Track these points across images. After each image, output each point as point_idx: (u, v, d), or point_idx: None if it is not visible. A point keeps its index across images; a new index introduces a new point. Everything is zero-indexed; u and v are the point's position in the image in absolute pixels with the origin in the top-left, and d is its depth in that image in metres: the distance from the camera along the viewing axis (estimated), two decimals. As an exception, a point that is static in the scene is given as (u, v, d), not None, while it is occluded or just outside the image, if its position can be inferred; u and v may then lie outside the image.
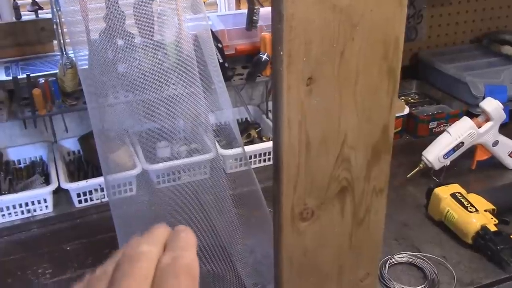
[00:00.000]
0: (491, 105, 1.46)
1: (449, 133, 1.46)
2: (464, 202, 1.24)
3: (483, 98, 1.59)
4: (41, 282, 1.16)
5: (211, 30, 1.19)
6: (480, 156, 1.52)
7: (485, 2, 2.07)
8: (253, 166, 1.52)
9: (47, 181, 1.42)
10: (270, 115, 1.70)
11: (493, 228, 1.18)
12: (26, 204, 1.33)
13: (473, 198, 1.26)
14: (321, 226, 0.72)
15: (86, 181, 1.36)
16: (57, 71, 1.43)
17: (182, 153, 1.27)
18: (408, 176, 1.47)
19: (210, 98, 1.04)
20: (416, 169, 1.46)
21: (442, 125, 1.72)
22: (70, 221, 1.36)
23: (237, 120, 1.72)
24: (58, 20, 1.35)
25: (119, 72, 0.99)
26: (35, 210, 1.35)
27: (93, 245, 1.25)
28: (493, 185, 1.48)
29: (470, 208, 1.22)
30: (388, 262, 1.16)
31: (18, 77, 1.40)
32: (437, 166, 1.45)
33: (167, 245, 0.37)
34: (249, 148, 1.54)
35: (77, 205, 1.38)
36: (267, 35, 1.54)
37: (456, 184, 1.31)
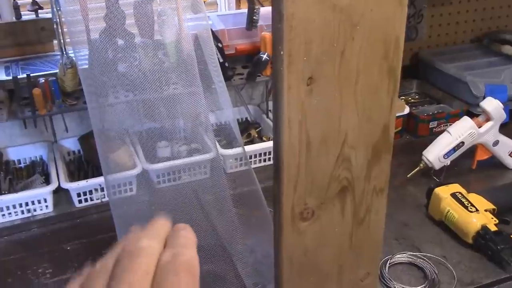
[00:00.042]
0: (492, 105, 1.46)
1: (450, 133, 1.46)
2: (465, 202, 1.24)
3: (484, 97, 1.59)
4: (41, 282, 1.16)
5: (211, 29, 1.19)
6: (481, 155, 1.52)
7: (485, 1, 2.06)
8: (253, 166, 1.52)
9: (47, 181, 1.42)
10: (270, 114, 1.70)
11: (493, 228, 1.18)
12: (26, 204, 1.33)
13: (474, 198, 1.26)
14: (322, 226, 0.72)
15: (86, 181, 1.36)
16: (57, 70, 1.42)
17: (182, 152, 1.27)
18: (408, 176, 1.47)
19: (210, 97, 1.04)
20: (416, 169, 1.46)
21: (442, 125, 1.72)
22: (70, 221, 1.36)
23: (237, 119, 1.72)
24: (58, 19, 1.35)
25: (119, 71, 0.99)
26: (35, 210, 1.35)
27: (93, 245, 1.25)
28: (494, 185, 1.48)
29: (471, 208, 1.22)
30: (388, 262, 1.16)
31: (18, 76, 1.40)
32: (437, 166, 1.45)
33: (167, 242, 0.37)
34: (249, 148, 1.54)
35: (77, 205, 1.38)
36: (267, 34, 1.54)
37: (457, 184, 1.31)
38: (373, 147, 0.71)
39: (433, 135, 1.60)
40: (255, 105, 1.78)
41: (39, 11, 1.51)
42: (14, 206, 1.32)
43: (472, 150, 1.50)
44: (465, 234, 1.21)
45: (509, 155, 1.53)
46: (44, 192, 1.34)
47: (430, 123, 1.71)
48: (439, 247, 1.23)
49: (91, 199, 1.39)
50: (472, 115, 1.53)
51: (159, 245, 0.36)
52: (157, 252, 0.36)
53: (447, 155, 1.45)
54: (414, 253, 1.19)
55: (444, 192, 1.28)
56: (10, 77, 1.41)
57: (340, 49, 0.62)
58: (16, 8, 1.51)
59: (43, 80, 1.38)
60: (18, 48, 1.55)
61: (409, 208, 1.37)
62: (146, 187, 1.29)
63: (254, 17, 1.56)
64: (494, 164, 1.54)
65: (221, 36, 1.57)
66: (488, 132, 1.47)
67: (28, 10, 1.50)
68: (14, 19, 1.53)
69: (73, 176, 1.47)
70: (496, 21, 2.12)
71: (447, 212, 1.25)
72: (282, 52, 0.60)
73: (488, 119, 1.47)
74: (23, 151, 1.52)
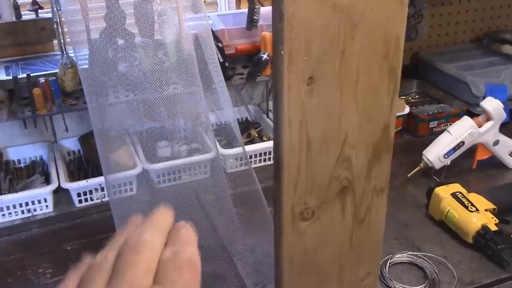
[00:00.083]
0: (492, 105, 1.46)
1: (450, 133, 1.46)
2: (465, 202, 1.24)
3: (484, 97, 1.59)
4: (41, 281, 1.16)
5: (212, 29, 1.19)
6: (481, 155, 1.52)
7: (485, 1, 2.06)
8: (253, 165, 1.52)
9: (47, 181, 1.42)
10: (270, 114, 1.70)
11: (493, 228, 1.18)
12: (26, 204, 1.33)
13: (474, 197, 1.26)
14: (322, 225, 0.72)
15: (86, 181, 1.36)
16: (57, 70, 1.42)
17: (183, 152, 1.27)
18: (408, 175, 1.47)
19: (211, 97, 1.04)
20: (416, 169, 1.46)
21: (442, 125, 1.72)
22: (70, 220, 1.36)
23: (238, 119, 1.72)
24: (58, 19, 1.35)
25: (119, 71, 0.99)
26: (35, 210, 1.35)
27: (93, 245, 1.25)
28: (494, 185, 1.48)
29: (471, 208, 1.22)
30: (388, 262, 1.16)
31: (18, 76, 1.40)
32: (437, 165, 1.45)
33: (168, 241, 0.37)
34: (249, 148, 1.54)
35: (77, 204, 1.38)
36: (267, 34, 1.54)
37: (457, 184, 1.31)
38: (374, 147, 0.71)
39: (433, 135, 1.60)
40: (255, 105, 1.78)
41: (39, 11, 1.51)
42: (14, 206, 1.32)
43: (472, 149, 1.50)
44: (465, 233, 1.21)
45: (509, 154, 1.52)
46: (44, 192, 1.34)
47: (430, 123, 1.71)
48: (439, 247, 1.23)
49: (91, 199, 1.39)
50: (472, 115, 1.53)
51: (162, 239, 0.36)
52: (159, 247, 0.35)
53: (447, 154, 1.45)
54: (414, 253, 1.19)
55: (444, 192, 1.28)
56: (10, 77, 1.41)
57: (340, 49, 0.62)
58: (16, 8, 1.51)
59: (43, 80, 1.38)
60: (18, 48, 1.55)
61: (410, 208, 1.37)
62: (146, 187, 1.29)
63: (254, 17, 1.56)
64: (494, 163, 1.54)
65: (221, 36, 1.57)
66: (488, 132, 1.47)
67: (28, 10, 1.50)
68: (14, 19, 1.53)
69: (73, 176, 1.47)
70: (496, 20, 2.12)
71: (447, 212, 1.25)
72: (282, 52, 0.60)
73: (488, 118, 1.47)
74: (23, 151, 1.52)
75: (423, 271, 1.15)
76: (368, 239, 0.77)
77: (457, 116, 1.64)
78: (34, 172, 1.47)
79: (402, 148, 1.64)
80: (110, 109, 1.06)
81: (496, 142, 1.50)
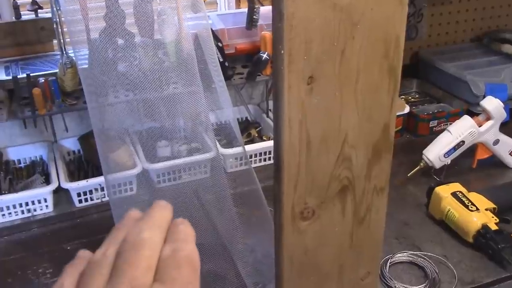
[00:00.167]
0: (492, 104, 1.46)
1: (450, 132, 1.46)
2: (465, 201, 1.24)
3: (484, 96, 1.59)
4: (41, 281, 1.16)
5: (211, 29, 1.19)
6: (481, 155, 1.52)
7: (485, 1, 2.06)
8: (253, 165, 1.52)
9: (47, 181, 1.42)
10: (270, 114, 1.70)
11: (494, 227, 1.18)
12: (26, 204, 1.33)
13: (474, 197, 1.26)
14: (322, 225, 0.72)
15: (86, 181, 1.36)
16: (57, 70, 1.42)
17: (183, 152, 1.27)
18: (408, 175, 1.46)
19: (211, 97, 1.04)
20: (416, 168, 1.46)
21: (442, 124, 1.71)
22: (70, 220, 1.36)
23: (237, 119, 1.72)
24: (58, 19, 1.35)
25: (119, 71, 0.99)
26: (35, 210, 1.35)
27: (93, 244, 1.24)
28: (494, 184, 1.48)
29: (471, 207, 1.22)
30: (389, 261, 1.16)
31: (18, 76, 1.40)
32: (437, 165, 1.45)
33: (166, 238, 0.37)
34: (249, 147, 1.54)
35: (77, 204, 1.38)
36: (267, 34, 1.54)
37: (457, 183, 1.31)
38: (374, 146, 0.71)
39: (433, 134, 1.60)
40: (255, 104, 1.78)
41: (39, 10, 1.51)
42: (14, 206, 1.32)
43: (473, 149, 1.50)
44: (465, 233, 1.21)
45: (510, 154, 1.52)
46: (44, 192, 1.34)
47: (430, 122, 1.71)
48: (439, 246, 1.23)
49: (91, 199, 1.39)
50: (472, 114, 1.53)
51: (161, 236, 0.36)
52: (159, 244, 0.35)
53: (447, 154, 1.45)
54: (414, 252, 1.19)
55: (444, 191, 1.28)
56: (10, 77, 1.41)
57: (340, 48, 0.62)
58: (16, 8, 1.51)
59: (43, 80, 1.38)
60: (18, 48, 1.55)
61: (410, 207, 1.37)
62: (146, 187, 1.29)
63: (254, 17, 1.56)
64: (495, 163, 1.54)
65: (221, 35, 1.57)
66: (489, 131, 1.47)
67: (28, 10, 1.50)
68: (14, 19, 1.53)
69: (73, 176, 1.47)
70: (496, 20, 2.12)
71: (448, 211, 1.25)
72: (282, 51, 0.60)
73: (488, 118, 1.47)
74: (23, 151, 1.52)
75: (424, 271, 1.15)
76: (368, 239, 0.77)
77: (457, 116, 1.64)
78: (34, 172, 1.47)
79: (402, 148, 1.64)
80: (110, 109, 1.06)
81: (496, 142, 1.50)
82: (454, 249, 1.22)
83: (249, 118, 1.74)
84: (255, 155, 1.56)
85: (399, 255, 1.18)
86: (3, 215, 1.32)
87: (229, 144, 1.51)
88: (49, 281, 1.15)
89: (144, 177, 1.31)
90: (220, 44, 1.51)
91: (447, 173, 1.47)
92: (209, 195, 1.15)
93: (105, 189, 1.36)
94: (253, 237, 1.18)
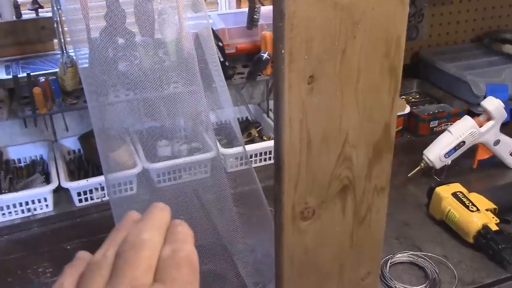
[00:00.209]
0: (492, 104, 1.46)
1: (450, 132, 1.45)
2: (466, 201, 1.24)
3: (484, 97, 1.58)
4: (41, 281, 1.15)
5: (212, 28, 1.19)
6: (481, 155, 1.52)
7: (486, 1, 2.06)
8: (253, 165, 1.52)
9: (47, 180, 1.41)
10: (270, 114, 1.70)
11: (494, 228, 1.18)
12: (27, 203, 1.33)
13: (475, 197, 1.26)
14: (322, 225, 0.72)
15: (87, 180, 1.36)
16: (57, 69, 1.42)
17: (183, 152, 1.27)
18: (409, 175, 1.46)
19: (211, 96, 1.04)
20: (417, 168, 1.46)
21: (443, 124, 1.71)
22: (70, 220, 1.36)
23: (238, 119, 1.72)
24: (58, 18, 1.35)
25: (119, 70, 0.99)
26: (35, 209, 1.35)
27: (93, 244, 1.24)
28: (495, 184, 1.48)
29: (472, 207, 1.22)
30: (389, 261, 1.16)
31: (19, 75, 1.40)
32: (438, 165, 1.45)
33: (166, 237, 0.37)
34: (249, 147, 1.54)
35: (77, 204, 1.38)
36: (267, 33, 1.54)
37: (457, 183, 1.31)
38: (374, 146, 0.70)
39: (434, 134, 1.60)
40: (256, 104, 1.78)
41: (39, 10, 1.51)
42: (14, 205, 1.32)
43: (473, 149, 1.50)
44: (466, 233, 1.21)
45: (510, 154, 1.52)
46: (44, 191, 1.34)
47: (431, 123, 1.71)
48: (440, 246, 1.22)
49: (91, 198, 1.39)
50: (473, 115, 1.53)
51: (160, 236, 0.36)
52: (158, 245, 0.35)
53: (448, 154, 1.44)
54: (415, 253, 1.19)
55: (445, 191, 1.28)
56: (11, 76, 1.41)
57: (341, 47, 0.62)
58: (17, 7, 1.51)
59: (43, 79, 1.38)
60: (18, 47, 1.54)
61: (410, 207, 1.37)
62: (146, 186, 1.29)
63: (254, 16, 1.56)
64: (495, 163, 1.54)
65: (222, 35, 1.57)
66: (489, 132, 1.47)
67: (29, 9, 1.50)
68: (14, 18, 1.53)
69: (73, 175, 1.47)
70: (496, 20, 2.12)
71: (448, 212, 1.25)
72: (283, 51, 0.60)
73: (489, 118, 1.47)
74: (23, 150, 1.52)
75: (424, 271, 1.15)
76: (369, 239, 0.77)
77: (457, 116, 1.64)
78: (34, 171, 1.47)
79: (403, 148, 1.64)
80: (110, 108, 1.06)
81: (497, 142, 1.49)
82: (454, 249, 1.21)
83: (249, 117, 1.74)
84: (256, 155, 1.55)
85: (399, 255, 1.18)
86: (3, 214, 1.32)
87: (229, 143, 1.51)
88: (49, 280, 1.15)
89: (144, 177, 1.31)
90: (220, 44, 1.51)
91: (447, 174, 1.46)
92: (209, 194, 1.15)
93: (105, 188, 1.36)
94: (253, 237, 1.18)
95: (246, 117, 1.75)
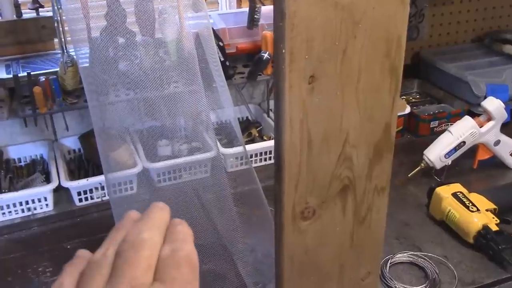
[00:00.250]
0: (493, 105, 1.46)
1: (451, 133, 1.45)
2: (466, 202, 1.24)
3: (485, 97, 1.58)
4: (41, 280, 1.15)
5: (212, 28, 1.19)
6: (482, 155, 1.52)
7: (486, 1, 2.06)
8: (253, 165, 1.52)
9: (47, 180, 1.41)
10: (271, 114, 1.70)
11: (494, 228, 1.18)
12: (27, 203, 1.33)
13: (475, 197, 1.26)
14: (323, 224, 0.72)
15: (87, 180, 1.36)
16: (58, 69, 1.42)
17: (183, 151, 1.27)
18: (409, 175, 1.46)
19: (211, 96, 1.04)
20: (417, 169, 1.46)
21: (443, 125, 1.71)
22: (70, 219, 1.36)
23: (238, 119, 1.72)
24: (59, 18, 1.35)
25: (120, 70, 0.99)
26: (35, 209, 1.35)
27: (93, 243, 1.24)
28: (495, 185, 1.48)
29: (472, 208, 1.22)
30: (389, 262, 1.16)
31: (19, 75, 1.40)
32: (438, 165, 1.45)
33: (165, 237, 0.37)
34: (250, 147, 1.54)
35: (77, 203, 1.38)
36: (268, 33, 1.54)
37: (458, 184, 1.31)
38: (375, 146, 0.70)
39: (434, 134, 1.59)
40: (256, 104, 1.78)
41: (40, 9, 1.51)
42: (14, 205, 1.32)
43: (473, 149, 1.50)
44: (466, 233, 1.21)
45: (510, 154, 1.52)
46: (45, 190, 1.34)
47: (431, 123, 1.71)
48: (440, 246, 1.22)
49: (92, 198, 1.39)
50: (473, 115, 1.53)
51: (160, 236, 0.36)
52: (158, 244, 0.36)
53: (448, 154, 1.44)
54: (415, 253, 1.19)
55: (445, 191, 1.28)
56: (11, 76, 1.41)
57: (342, 47, 0.62)
58: (17, 6, 1.51)
59: (44, 79, 1.38)
60: (18, 46, 1.55)
61: (410, 207, 1.37)
62: (146, 186, 1.29)
63: (255, 16, 1.56)
64: (495, 163, 1.54)
65: (222, 35, 1.57)
66: (490, 132, 1.47)
67: (29, 9, 1.50)
68: (15, 17, 1.53)
69: (74, 174, 1.47)
70: (497, 20, 2.12)
71: (448, 212, 1.25)
72: (283, 51, 0.60)
73: (489, 118, 1.47)
74: (23, 150, 1.52)
75: (424, 271, 1.15)
76: (369, 239, 0.77)
77: (458, 116, 1.64)
78: (35, 171, 1.47)
79: (403, 148, 1.64)
80: (110, 107, 1.06)
81: (497, 142, 1.49)
82: (454, 249, 1.21)
83: (249, 117, 1.74)
84: (256, 155, 1.55)
85: (399, 255, 1.18)
86: (3, 213, 1.32)
87: (229, 143, 1.51)
88: (49, 279, 1.15)
89: (145, 176, 1.31)
90: (221, 44, 1.51)
91: (447, 174, 1.46)
92: (210, 194, 1.15)
93: (105, 188, 1.36)
94: (254, 236, 1.18)
95: (247, 117, 1.75)
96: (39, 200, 1.34)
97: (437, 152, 1.44)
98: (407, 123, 1.72)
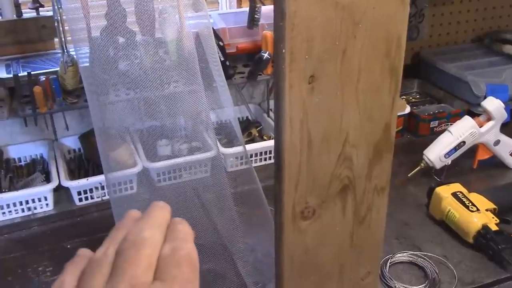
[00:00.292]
0: (493, 105, 1.46)
1: (451, 132, 1.46)
2: (466, 202, 1.24)
3: (485, 97, 1.58)
4: (42, 279, 1.15)
5: (213, 28, 1.19)
6: (482, 155, 1.52)
7: (486, 1, 2.06)
8: (253, 164, 1.52)
9: (47, 179, 1.41)
10: (271, 113, 1.70)
11: (494, 228, 1.18)
12: (27, 202, 1.33)
13: (475, 197, 1.26)
14: (322, 224, 0.72)
15: (87, 179, 1.36)
16: (58, 68, 1.42)
17: (183, 151, 1.27)
18: (409, 175, 1.46)
19: (211, 96, 1.04)
20: (417, 168, 1.46)
21: (443, 124, 1.71)
22: (70, 219, 1.36)
23: (238, 118, 1.72)
24: (59, 17, 1.35)
25: (120, 69, 0.99)
26: (35, 208, 1.35)
27: (93, 243, 1.24)
28: (495, 185, 1.48)
29: (472, 208, 1.22)
30: (389, 261, 1.16)
31: (19, 74, 1.40)
32: (438, 165, 1.45)
33: (166, 236, 0.37)
34: (250, 147, 1.54)
35: (77, 203, 1.38)
36: (268, 33, 1.54)
37: (457, 184, 1.31)
38: (375, 146, 0.70)
39: (434, 134, 1.59)
40: (256, 104, 1.78)
41: (40, 9, 1.51)
42: (14, 204, 1.32)
43: (473, 149, 1.50)
44: (466, 233, 1.21)
45: (510, 154, 1.52)
46: (45, 190, 1.34)
47: (431, 123, 1.71)
48: (439, 246, 1.23)
49: (92, 197, 1.39)
50: (473, 115, 1.53)
51: (161, 235, 0.36)
52: (159, 243, 0.36)
53: (448, 154, 1.45)
54: (414, 253, 1.19)
55: (445, 191, 1.28)
56: (11, 75, 1.41)
57: (342, 47, 0.62)
58: (17, 6, 1.51)
59: (44, 78, 1.38)
60: (19, 46, 1.55)
61: (410, 207, 1.37)
62: (146, 186, 1.29)
63: (255, 16, 1.56)
64: (495, 163, 1.54)
65: (222, 34, 1.57)
66: (489, 132, 1.47)
67: (29, 8, 1.51)
68: (15, 17, 1.53)
69: (74, 174, 1.47)
70: (497, 20, 2.12)
71: (448, 212, 1.25)
72: (284, 50, 0.60)
73: (489, 118, 1.47)
74: (23, 149, 1.52)
75: (424, 271, 1.15)
76: (369, 238, 0.77)
77: (458, 116, 1.64)
78: (35, 170, 1.47)
79: (403, 148, 1.64)
80: (110, 107, 1.06)
81: (497, 142, 1.49)
82: (454, 249, 1.21)
83: (250, 117, 1.74)
84: (256, 155, 1.56)
85: (399, 255, 1.18)
86: (4, 213, 1.32)
87: (229, 143, 1.51)
88: (49, 279, 1.15)
89: (145, 176, 1.31)
90: (221, 43, 1.51)
91: (447, 174, 1.46)
92: (210, 194, 1.15)
93: (105, 187, 1.36)
94: (254, 236, 1.18)
95: (247, 117, 1.75)
96: (39, 200, 1.34)
97: (437, 152, 1.45)
98: (407, 123, 1.72)
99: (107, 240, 0.37)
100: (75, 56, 1.37)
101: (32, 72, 1.39)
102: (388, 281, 1.11)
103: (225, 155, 1.48)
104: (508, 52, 1.92)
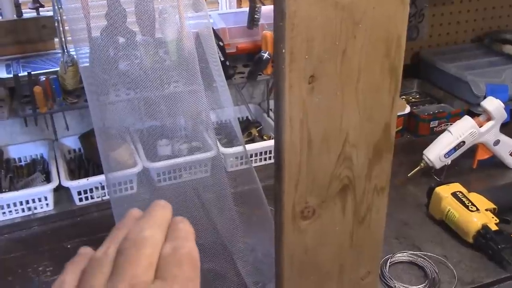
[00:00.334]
0: (493, 105, 1.46)
1: (450, 132, 1.46)
2: (465, 201, 1.24)
3: (484, 97, 1.59)
4: (42, 279, 1.16)
5: (213, 28, 1.19)
6: (481, 155, 1.52)
7: (486, 1, 2.06)
8: (253, 164, 1.52)
9: (47, 179, 1.42)
10: (271, 113, 1.70)
11: (494, 227, 1.18)
12: (27, 202, 1.33)
13: (474, 197, 1.26)
14: (322, 224, 0.72)
15: (87, 179, 1.36)
16: (58, 68, 1.42)
17: (183, 151, 1.27)
18: (409, 175, 1.46)
19: (211, 96, 1.04)
20: (417, 168, 1.46)
21: (443, 124, 1.71)
22: (70, 219, 1.36)
23: (238, 118, 1.72)
24: (59, 17, 1.35)
25: (120, 69, 0.99)
26: (35, 208, 1.35)
27: (93, 243, 1.24)
28: (494, 184, 1.48)
29: (471, 207, 1.22)
30: (389, 261, 1.16)
31: (19, 74, 1.40)
32: (438, 165, 1.45)
33: (167, 235, 0.37)
34: (250, 147, 1.54)
35: (77, 203, 1.38)
36: (268, 33, 1.54)
37: (457, 183, 1.31)
38: (374, 146, 0.71)
39: (434, 134, 1.60)
40: (256, 103, 1.78)
41: (40, 9, 1.51)
42: (14, 204, 1.32)
43: (473, 149, 1.50)
44: (465, 233, 1.21)
45: (510, 154, 1.52)
46: (45, 190, 1.34)
47: (431, 123, 1.71)
48: (439, 246, 1.23)
49: (92, 197, 1.39)
50: (473, 115, 1.53)
51: (162, 234, 0.36)
52: (160, 242, 0.36)
53: (447, 154, 1.45)
54: (414, 252, 1.19)
55: (444, 191, 1.28)
56: (11, 75, 1.41)
57: (342, 47, 0.62)
58: (17, 6, 1.51)
59: (44, 78, 1.38)
60: (19, 46, 1.55)
61: (410, 207, 1.37)
62: (146, 186, 1.29)
63: (255, 16, 1.56)
64: (495, 163, 1.54)
65: (222, 34, 1.57)
66: (489, 132, 1.47)
67: (29, 8, 1.51)
68: (15, 17, 1.53)
69: (74, 174, 1.47)
70: (497, 20, 2.12)
71: (448, 212, 1.25)
72: (283, 50, 0.60)
73: (489, 118, 1.47)
74: (23, 149, 1.52)
75: (423, 271, 1.15)
76: (369, 238, 0.77)
77: (457, 116, 1.64)
78: (35, 170, 1.47)
79: (403, 148, 1.64)
80: (111, 107, 1.06)
81: (497, 142, 1.50)
82: (454, 249, 1.22)
83: (249, 117, 1.74)
84: (256, 154, 1.56)
85: (399, 255, 1.18)
86: (4, 213, 1.32)
87: (229, 143, 1.51)
88: (49, 279, 1.15)
89: (145, 176, 1.31)
90: (221, 43, 1.51)
91: (447, 173, 1.47)
92: (210, 194, 1.15)
93: (105, 187, 1.36)
94: (254, 236, 1.18)
95: (247, 117, 1.75)
96: (39, 200, 1.34)
97: (436, 152, 1.45)
98: (407, 123, 1.72)
99: (108, 239, 0.37)
100: (75, 56, 1.37)
101: (32, 72, 1.40)
102: (388, 281, 1.11)
103: (225, 155, 1.48)
104: (508, 52, 1.92)
